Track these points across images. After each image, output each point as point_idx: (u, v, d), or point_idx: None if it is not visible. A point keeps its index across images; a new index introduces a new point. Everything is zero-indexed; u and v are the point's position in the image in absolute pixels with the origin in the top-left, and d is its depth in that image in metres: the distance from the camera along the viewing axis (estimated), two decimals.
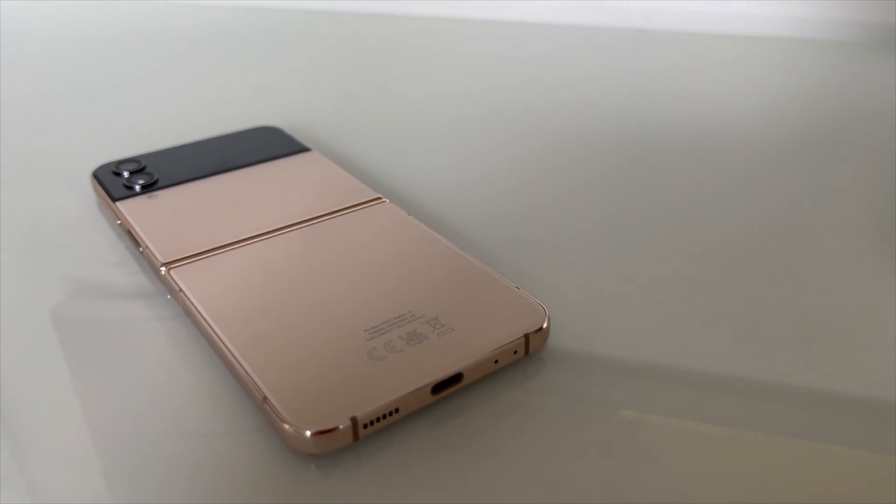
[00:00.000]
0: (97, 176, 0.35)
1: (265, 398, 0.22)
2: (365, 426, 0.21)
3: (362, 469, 0.21)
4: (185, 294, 0.26)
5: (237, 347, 0.24)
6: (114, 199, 0.33)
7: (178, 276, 0.27)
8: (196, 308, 0.26)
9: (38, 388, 0.25)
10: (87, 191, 0.36)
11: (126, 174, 0.35)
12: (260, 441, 0.22)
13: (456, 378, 0.23)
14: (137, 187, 0.33)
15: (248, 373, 0.23)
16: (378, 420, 0.22)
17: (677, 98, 0.48)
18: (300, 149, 0.37)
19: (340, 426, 0.21)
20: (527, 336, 0.24)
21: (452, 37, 0.62)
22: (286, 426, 0.21)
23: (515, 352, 0.24)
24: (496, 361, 0.24)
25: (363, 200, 0.32)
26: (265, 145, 0.38)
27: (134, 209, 0.32)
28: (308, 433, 0.21)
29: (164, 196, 0.33)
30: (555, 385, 0.24)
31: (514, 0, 0.64)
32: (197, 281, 0.27)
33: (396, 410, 0.22)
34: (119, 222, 0.32)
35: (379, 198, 0.33)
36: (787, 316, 0.27)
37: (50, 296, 0.29)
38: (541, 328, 0.25)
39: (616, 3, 0.62)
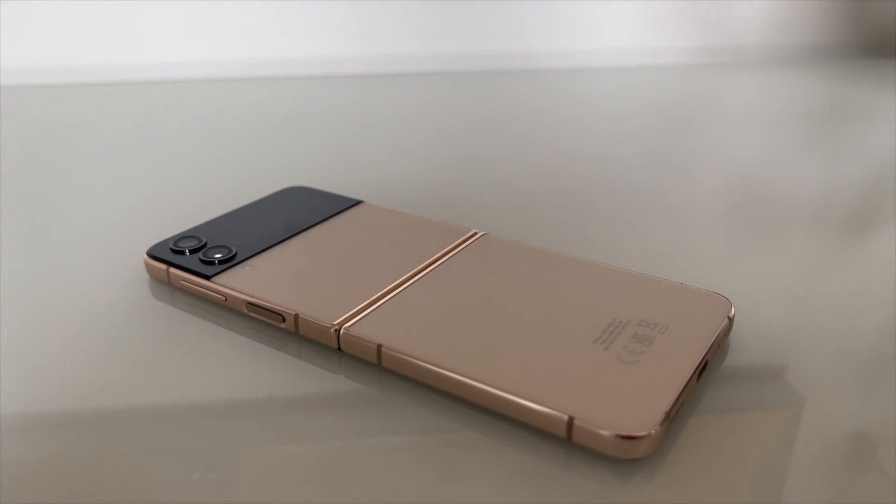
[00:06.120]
0: (157, 256, 0.31)
1: (571, 419, 0.22)
2: (671, 420, 0.22)
3: (675, 463, 0.22)
4: (387, 348, 0.25)
5: (500, 384, 0.23)
6: (207, 277, 0.30)
7: (365, 331, 0.26)
8: (412, 358, 0.25)
9: None
10: (128, 276, 0.32)
11: (188, 251, 0.32)
12: (575, 469, 0.22)
13: (704, 365, 0.25)
14: (216, 261, 0.31)
15: (535, 405, 0.23)
16: (676, 412, 0.23)
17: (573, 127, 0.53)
18: (354, 202, 0.36)
19: (660, 424, 0.22)
20: (730, 319, 0.27)
21: (398, 93, 0.63)
22: (609, 435, 0.21)
23: (726, 335, 0.27)
24: (719, 346, 0.26)
25: (466, 236, 0.33)
26: (315, 203, 0.36)
27: (244, 282, 0.29)
28: (637, 436, 0.21)
29: (259, 264, 0.31)
30: (760, 359, 0.27)
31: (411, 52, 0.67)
32: (390, 331, 0.26)
33: (682, 402, 0.23)
34: (225, 300, 0.29)
35: (475, 232, 0.33)
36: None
37: (243, 420, 0.26)
38: (732, 314, 0.27)
39: (503, 48, 0.67)
